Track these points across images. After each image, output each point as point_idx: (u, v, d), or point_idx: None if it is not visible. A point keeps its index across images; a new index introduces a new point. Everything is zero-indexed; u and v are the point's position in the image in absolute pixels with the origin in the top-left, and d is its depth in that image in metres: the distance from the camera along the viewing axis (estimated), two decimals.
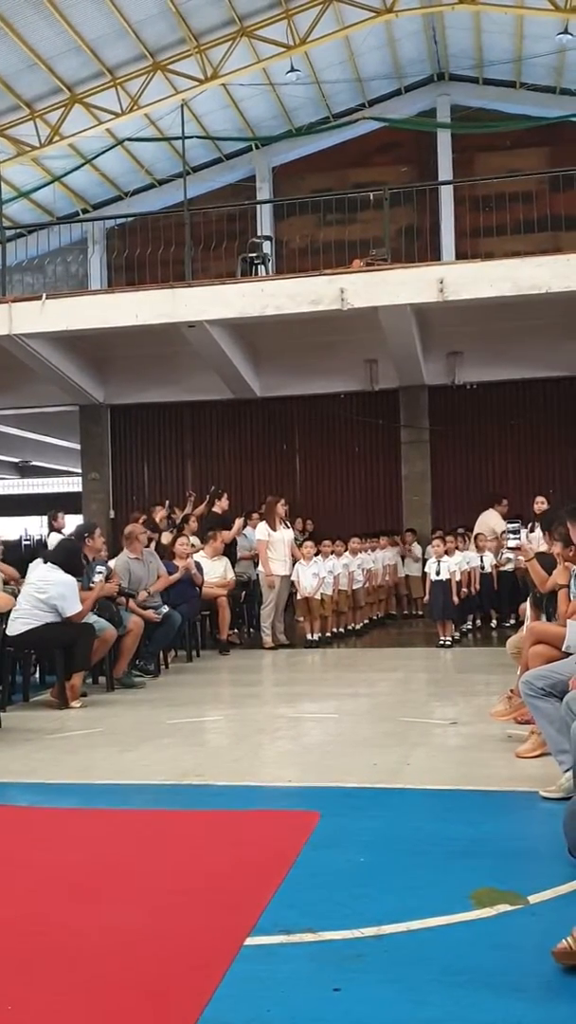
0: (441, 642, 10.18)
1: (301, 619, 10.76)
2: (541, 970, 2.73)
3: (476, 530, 12.06)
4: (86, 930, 3.18)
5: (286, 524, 11.09)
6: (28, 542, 24.16)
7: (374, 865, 3.70)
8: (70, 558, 7.71)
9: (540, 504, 11.16)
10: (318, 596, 10.51)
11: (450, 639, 10.23)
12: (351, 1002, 2.63)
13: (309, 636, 10.58)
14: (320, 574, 10.50)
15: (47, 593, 7.36)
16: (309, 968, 2.84)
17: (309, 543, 10.90)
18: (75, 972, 2.86)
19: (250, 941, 3.01)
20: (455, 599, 10.27)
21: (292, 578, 10.66)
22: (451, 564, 10.31)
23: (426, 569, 10.74)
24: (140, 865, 3.83)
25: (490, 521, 12.32)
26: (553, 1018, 2.52)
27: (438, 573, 10.24)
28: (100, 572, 7.87)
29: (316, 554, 10.67)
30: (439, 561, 10.29)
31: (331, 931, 3.06)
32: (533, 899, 3.26)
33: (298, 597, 10.65)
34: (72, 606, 7.38)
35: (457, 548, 10.83)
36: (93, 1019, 2.59)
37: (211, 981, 2.75)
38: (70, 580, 7.48)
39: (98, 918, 3.28)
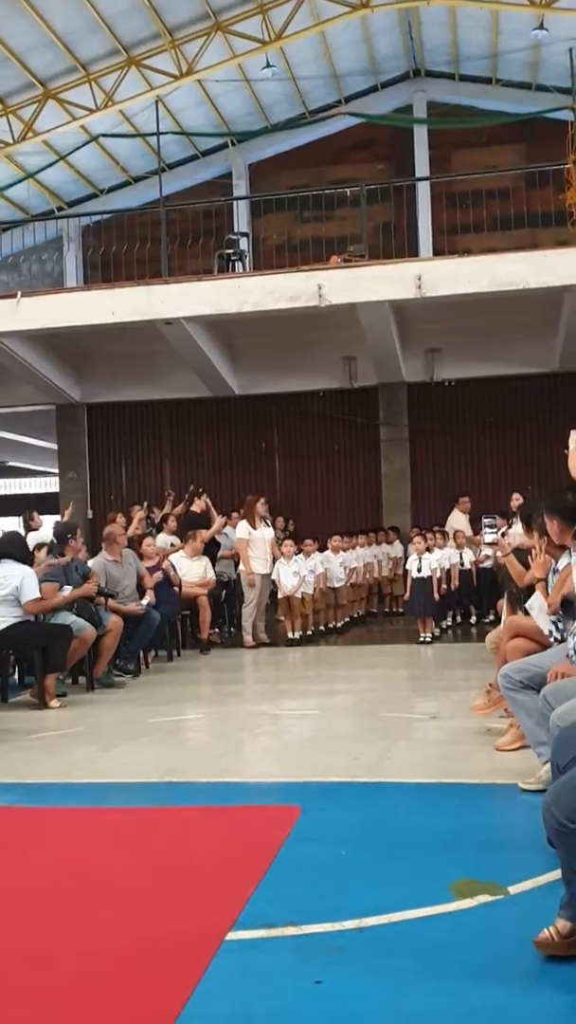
0: (422, 639, 10.22)
1: (282, 618, 10.74)
2: (522, 959, 2.75)
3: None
4: (67, 927, 3.17)
5: (266, 523, 11.07)
6: None
7: (355, 858, 3.70)
8: (21, 548, 7.84)
9: (516, 501, 11.23)
10: (299, 595, 10.52)
11: (430, 636, 10.27)
12: (333, 994, 2.63)
13: (290, 635, 10.55)
14: (301, 572, 10.50)
15: (8, 587, 7.35)
16: (291, 961, 2.85)
17: (289, 542, 10.89)
18: (56, 969, 2.86)
19: (232, 935, 3.01)
20: (436, 596, 10.33)
21: (273, 577, 10.65)
22: (432, 561, 10.36)
23: (407, 566, 10.78)
24: (121, 862, 3.83)
25: (454, 521, 12.40)
26: (534, 1006, 2.54)
27: (419, 570, 10.29)
28: (67, 588, 7.86)
29: (297, 553, 10.67)
30: (420, 558, 10.34)
31: (313, 924, 3.06)
32: (513, 889, 3.28)
33: (279, 596, 10.65)
34: (30, 592, 7.36)
35: (436, 546, 10.89)
36: (75, 1015, 2.58)
37: (193, 975, 2.75)
38: (28, 570, 7.53)
39: (80, 916, 3.27)
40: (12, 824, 4.51)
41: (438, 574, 10.43)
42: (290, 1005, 2.59)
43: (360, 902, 3.22)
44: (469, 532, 11.98)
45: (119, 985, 2.75)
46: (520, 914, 3.08)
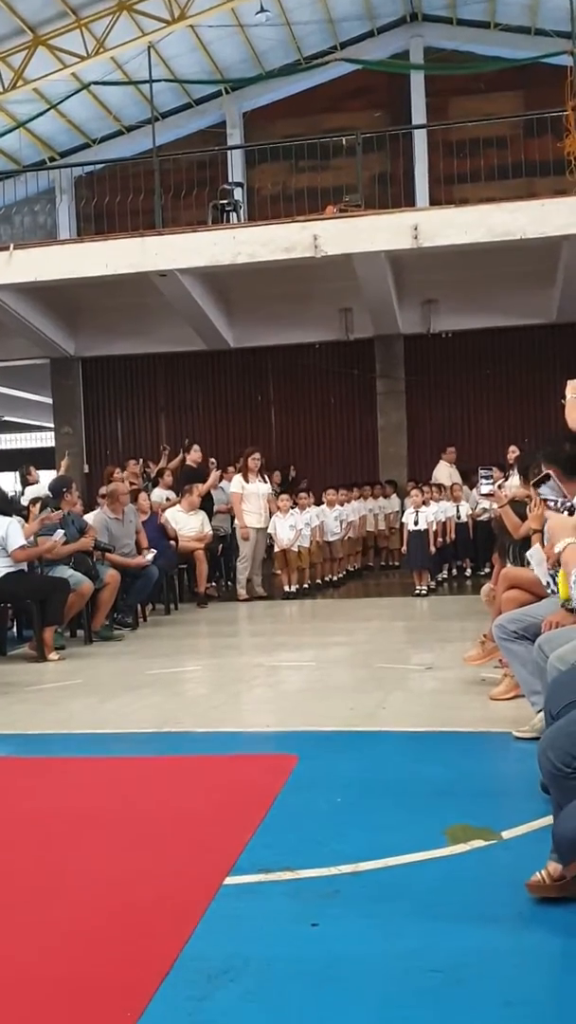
0: (417, 591, 10.27)
1: (279, 571, 10.78)
2: (514, 901, 2.80)
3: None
4: (68, 873, 3.22)
5: (261, 477, 11.05)
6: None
7: (351, 805, 3.75)
8: (5, 502, 7.87)
9: (513, 453, 11.20)
10: (295, 548, 10.54)
11: (426, 588, 10.33)
12: (329, 936, 2.68)
13: (287, 588, 10.59)
14: (297, 526, 10.51)
15: None
16: (287, 905, 2.89)
17: (285, 496, 10.87)
18: (54, 914, 2.90)
19: (230, 880, 3.05)
20: (432, 549, 10.37)
21: (269, 531, 10.66)
22: (428, 515, 10.38)
23: (403, 520, 10.81)
24: (120, 810, 3.88)
25: (439, 473, 12.39)
26: (525, 946, 2.59)
27: (416, 524, 10.31)
28: (60, 532, 7.80)
29: (293, 506, 10.67)
30: (416, 512, 10.36)
31: (309, 869, 3.11)
32: (506, 835, 3.33)
33: (276, 549, 10.65)
34: (15, 540, 7.34)
35: (432, 499, 10.90)
36: (73, 959, 2.63)
37: (191, 919, 2.80)
38: (10, 520, 7.50)
39: (80, 861, 3.32)
40: (13, 773, 4.57)
41: (434, 527, 10.46)
42: (287, 947, 2.63)
43: (355, 847, 3.26)
44: (455, 482, 12.01)
45: (118, 928, 2.80)
46: (513, 858, 3.13)
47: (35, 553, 7.64)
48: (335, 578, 11.65)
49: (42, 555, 7.75)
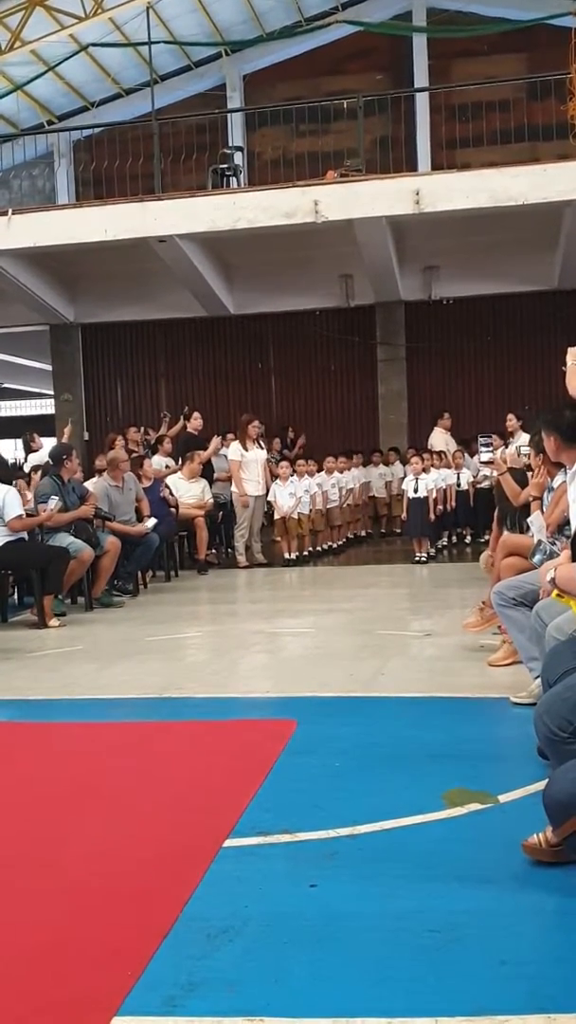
0: (417, 558, 10.31)
1: (278, 539, 10.79)
2: (510, 863, 2.84)
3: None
4: (70, 836, 3.27)
5: (259, 444, 11.03)
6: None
7: (349, 769, 3.79)
8: (4, 469, 7.82)
9: (511, 422, 11.17)
10: (295, 515, 10.56)
11: (425, 555, 10.38)
12: (327, 897, 2.72)
13: (287, 555, 10.61)
14: (297, 493, 10.51)
15: None
16: (286, 866, 2.94)
17: (284, 463, 10.86)
18: (60, 875, 2.95)
19: (229, 843, 3.10)
20: (432, 516, 10.40)
21: (269, 498, 10.66)
22: (428, 482, 10.40)
23: (403, 487, 10.82)
24: (122, 774, 3.92)
25: (435, 440, 12.36)
26: (521, 906, 2.63)
27: (416, 491, 10.34)
28: (54, 499, 7.78)
29: (292, 474, 10.67)
30: (417, 479, 10.38)
31: (307, 832, 3.15)
32: (503, 798, 3.37)
33: (275, 517, 10.66)
34: (12, 510, 7.34)
35: (433, 466, 10.91)
36: (75, 919, 2.67)
37: (191, 881, 2.84)
38: (7, 488, 7.47)
39: (82, 824, 3.37)
40: (15, 738, 4.61)
41: (434, 494, 10.47)
42: (285, 907, 2.67)
43: (353, 811, 3.30)
44: (457, 449, 12.00)
45: (120, 889, 2.84)
46: (509, 822, 3.17)
47: (32, 523, 7.65)
48: (335, 545, 11.68)
49: (41, 524, 7.76)
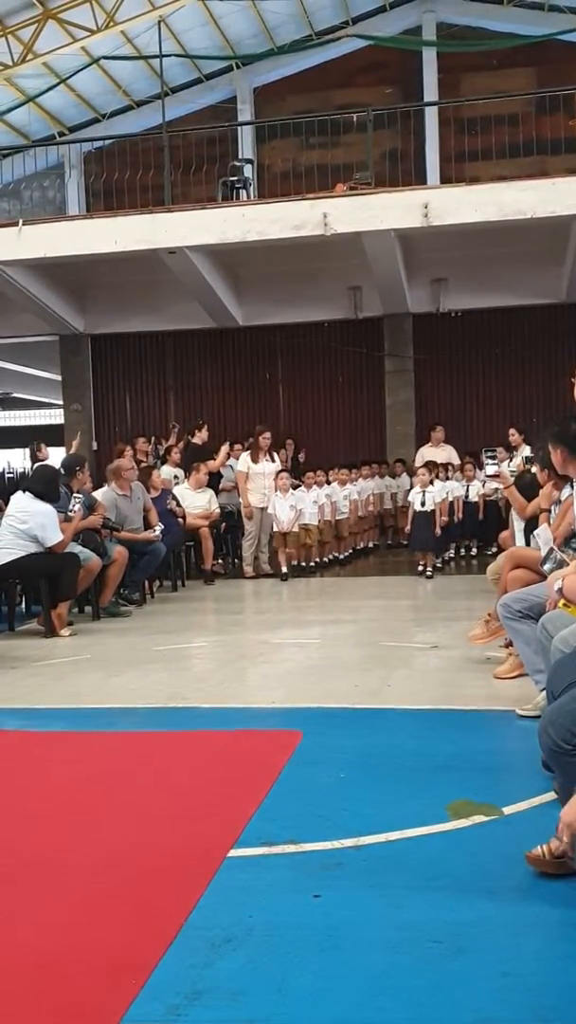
0: (420, 570, 10.23)
1: (278, 548, 10.46)
2: (513, 875, 2.85)
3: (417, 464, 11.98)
4: (74, 845, 3.28)
5: (270, 456, 11.02)
6: (11, 474, 24.10)
7: (354, 780, 3.80)
8: (47, 486, 7.65)
9: (514, 436, 11.15)
10: (295, 529, 10.36)
11: (431, 570, 10.17)
12: (331, 907, 2.73)
13: (284, 570, 10.34)
14: (297, 506, 10.37)
15: (27, 524, 7.38)
16: (290, 877, 2.95)
17: (285, 474, 10.65)
18: (63, 884, 2.96)
19: (234, 852, 3.11)
20: (437, 530, 10.23)
21: (269, 511, 10.49)
22: (435, 495, 10.22)
23: (409, 499, 10.65)
24: (127, 783, 3.93)
25: (425, 454, 12.29)
26: (523, 917, 2.63)
27: (423, 504, 10.17)
28: (78, 499, 7.87)
29: (295, 486, 10.58)
30: (423, 491, 10.23)
31: (312, 842, 3.16)
32: (508, 810, 3.37)
33: (274, 530, 10.48)
34: (53, 536, 7.40)
35: (438, 478, 10.83)
36: (80, 927, 2.69)
37: (196, 890, 2.85)
38: (49, 510, 7.46)
39: (86, 833, 3.38)
40: (23, 747, 4.63)
41: (439, 506, 10.32)
42: (289, 917, 2.68)
43: (358, 822, 3.31)
44: (455, 461, 11.96)
45: (125, 897, 2.85)
46: (513, 834, 3.17)
47: (70, 537, 7.66)
48: (341, 556, 11.67)
49: (83, 529, 7.92)
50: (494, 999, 2.25)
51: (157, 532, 9.05)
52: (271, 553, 10.83)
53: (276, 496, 10.40)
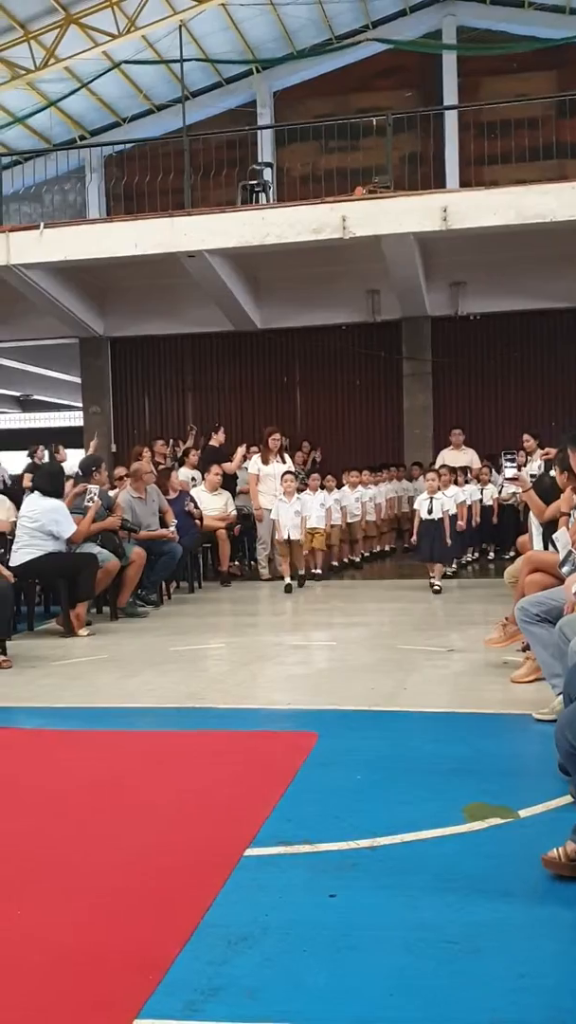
0: (431, 582, 9.43)
1: (282, 557, 10.12)
2: (528, 877, 2.86)
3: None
4: (94, 842, 3.31)
5: (281, 458, 10.98)
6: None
7: (370, 782, 3.82)
8: (52, 481, 7.79)
9: (527, 442, 11.09)
10: (297, 536, 9.87)
11: (439, 584, 9.33)
12: (346, 907, 2.75)
13: (287, 580, 9.81)
14: (303, 512, 10.02)
15: (39, 521, 7.49)
16: (306, 876, 2.96)
17: (290, 476, 10.25)
18: (81, 882, 2.99)
19: (250, 852, 3.13)
20: (447, 540, 9.44)
21: (272, 516, 10.19)
22: (444, 502, 9.49)
23: (415, 506, 9.92)
24: (145, 782, 3.96)
25: (445, 457, 12.21)
26: (539, 919, 2.64)
27: (430, 512, 9.40)
28: (93, 491, 7.94)
29: (300, 490, 10.27)
30: (431, 498, 9.44)
31: (328, 843, 3.18)
32: (523, 813, 3.38)
33: (276, 538, 10.12)
34: (67, 527, 7.52)
35: (455, 482, 10.60)
36: (99, 925, 2.71)
37: (212, 889, 2.87)
38: (58, 504, 7.60)
39: (104, 832, 3.41)
40: (41, 745, 4.66)
41: (452, 511, 9.68)
42: (304, 916, 2.70)
43: (374, 823, 3.33)
44: (486, 464, 11.88)
45: (142, 895, 2.88)
46: (529, 836, 3.18)
47: (85, 526, 7.79)
48: (356, 560, 11.62)
49: (102, 530, 8.03)
50: (509, 1000, 2.26)
51: (172, 529, 9.10)
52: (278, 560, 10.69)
53: (280, 501, 9.99)
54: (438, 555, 9.51)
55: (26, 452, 13.91)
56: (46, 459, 12.57)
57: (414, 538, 9.76)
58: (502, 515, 11.56)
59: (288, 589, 9.71)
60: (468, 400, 14.78)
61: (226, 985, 2.35)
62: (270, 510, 10.44)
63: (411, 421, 14.76)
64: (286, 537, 9.93)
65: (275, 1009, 2.25)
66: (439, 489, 9.57)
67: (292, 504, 9.95)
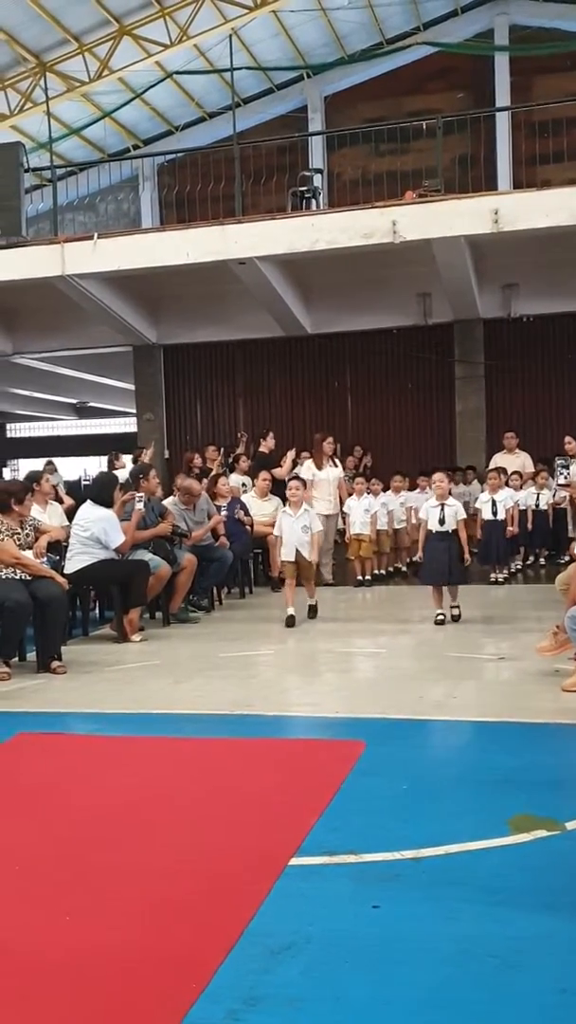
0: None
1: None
2: (573, 890, 2.85)
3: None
4: (142, 847, 3.36)
5: (333, 462, 10.96)
6: (87, 482, 24.57)
7: (416, 792, 3.82)
8: (102, 491, 7.93)
9: (570, 444, 10.92)
10: (307, 555, 9.19)
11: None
12: (389, 918, 2.76)
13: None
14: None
15: (88, 530, 7.62)
16: (350, 887, 2.98)
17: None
18: (129, 888, 3.04)
19: (295, 861, 3.16)
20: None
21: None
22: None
23: (477, 506, 10.30)
24: (192, 789, 4.01)
25: (498, 460, 12.06)
26: None
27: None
28: (140, 499, 8.03)
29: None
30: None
31: (372, 853, 3.19)
32: (570, 826, 3.35)
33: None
34: (115, 537, 7.63)
35: (509, 485, 10.58)
36: (145, 930, 2.76)
37: (256, 897, 2.90)
38: (108, 514, 7.71)
39: (153, 837, 3.46)
40: (93, 751, 4.74)
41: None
42: (348, 926, 2.72)
43: (419, 834, 3.33)
44: (543, 468, 11.74)
45: (187, 902, 2.92)
46: (575, 849, 3.15)
47: (133, 540, 7.87)
48: (403, 567, 11.40)
49: (154, 536, 8.16)
50: (551, 1016, 2.25)
51: (220, 516, 9.29)
52: (337, 562, 10.74)
53: (284, 513, 8.43)
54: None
55: (106, 457, 14.11)
56: (127, 466, 12.70)
57: (420, 554, 8.49)
58: (555, 520, 11.42)
59: (290, 622, 7.96)
60: (521, 403, 14.65)
61: (268, 995, 2.38)
62: (326, 516, 10.15)
63: (463, 424, 14.67)
64: (292, 557, 8.14)
65: (316, 1020, 2.27)
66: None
67: (299, 517, 8.22)
